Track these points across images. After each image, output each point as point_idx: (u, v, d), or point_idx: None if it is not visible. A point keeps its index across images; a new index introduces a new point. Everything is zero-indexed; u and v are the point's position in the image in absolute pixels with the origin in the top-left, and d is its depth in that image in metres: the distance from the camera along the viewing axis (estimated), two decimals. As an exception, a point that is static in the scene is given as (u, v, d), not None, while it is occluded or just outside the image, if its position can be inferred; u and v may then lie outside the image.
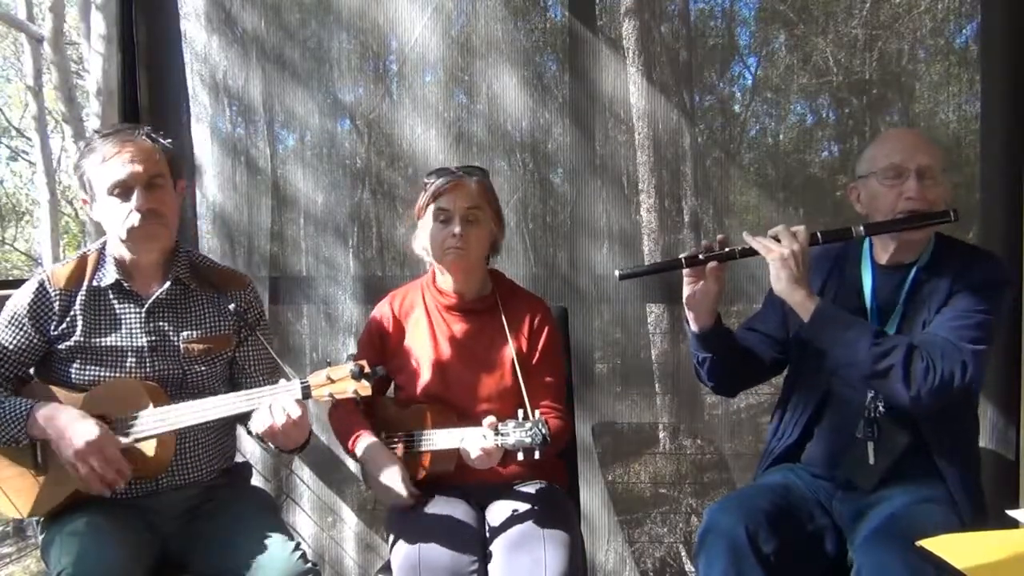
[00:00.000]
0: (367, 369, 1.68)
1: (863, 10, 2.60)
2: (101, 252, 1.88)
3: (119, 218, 1.79)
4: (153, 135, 1.87)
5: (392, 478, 1.87)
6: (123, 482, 1.71)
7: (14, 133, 12.72)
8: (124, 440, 1.71)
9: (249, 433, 1.94)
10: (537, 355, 2.02)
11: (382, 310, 2.09)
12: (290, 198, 2.82)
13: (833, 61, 2.64)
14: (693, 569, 2.63)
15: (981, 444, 2.04)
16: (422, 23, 2.70)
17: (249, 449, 2.68)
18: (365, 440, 1.94)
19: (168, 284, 1.86)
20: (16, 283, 1.92)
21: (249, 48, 2.77)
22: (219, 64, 2.78)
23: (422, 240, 2.02)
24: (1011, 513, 1.40)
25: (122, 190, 1.77)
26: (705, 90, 2.80)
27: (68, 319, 1.81)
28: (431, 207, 1.97)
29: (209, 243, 2.78)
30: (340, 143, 2.82)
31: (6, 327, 1.81)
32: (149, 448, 1.75)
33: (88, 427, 1.69)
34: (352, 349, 2.68)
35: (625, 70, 2.68)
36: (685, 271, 1.82)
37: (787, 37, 2.74)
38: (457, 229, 1.93)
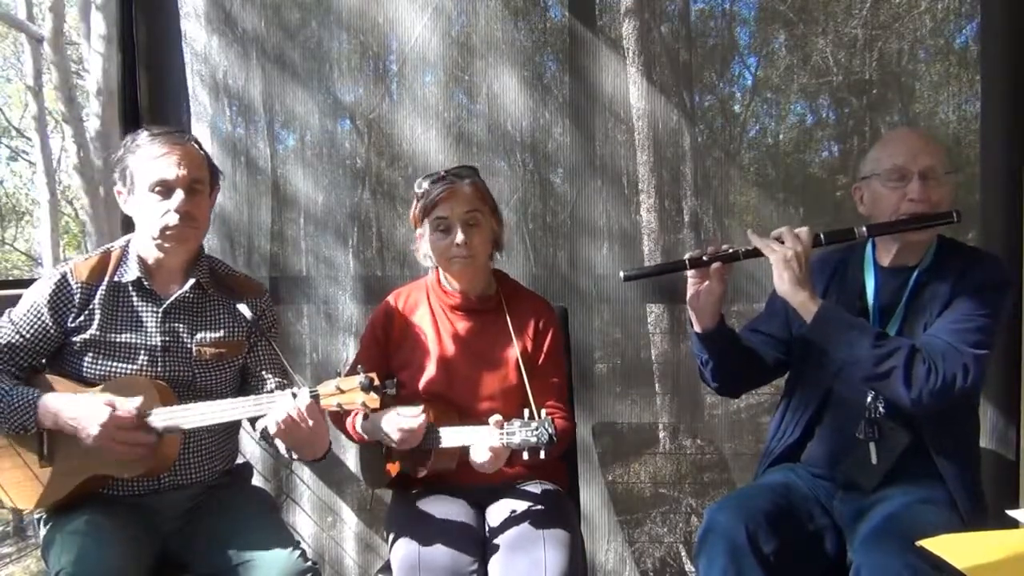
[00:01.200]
0: (377, 382, 1.68)
1: (863, 10, 2.60)
2: (124, 249, 1.90)
3: (155, 215, 1.81)
4: (199, 142, 1.92)
5: (391, 420, 1.84)
6: (152, 446, 1.72)
7: (14, 133, 12.74)
8: (133, 406, 1.70)
9: (262, 438, 1.94)
10: (542, 355, 2.02)
11: (386, 308, 2.09)
12: (290, 198, 2.82)
13: (833, 61, 2.64)
14: (693, 569, 2.63)
15: (981, 444, 2.04)
16: (422, 23, 2.70)
17: (250, 450, 2.69)
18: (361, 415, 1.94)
19: (188, 286, 1.87)
20: (16, 283, 1.92)
21: (249, 48, 2.77)
22: (219, 64, 2.78)
23: (424, 248, 2.01)
24: (1011, 513, 1.40)
25: (164, 189, 1.81)
26: (705, 90, 2.80)
27: (86, 312, 1.82)
28: (429, 217, 1.96)
29: (209, 243, 2.77)
30: (340, 143, 2.82)
31: (24, 316, 1.82)
32: (156, 439, 1.74)
33: (96, 412, 1.69)
34: (352, 349, 2.69)
35: (625, 70, 2.68)
36: (689, 272, 1.82)
37: (787, 37, 2.73)
38: (460, 238, 1.92)
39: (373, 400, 1.68)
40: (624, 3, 2.74)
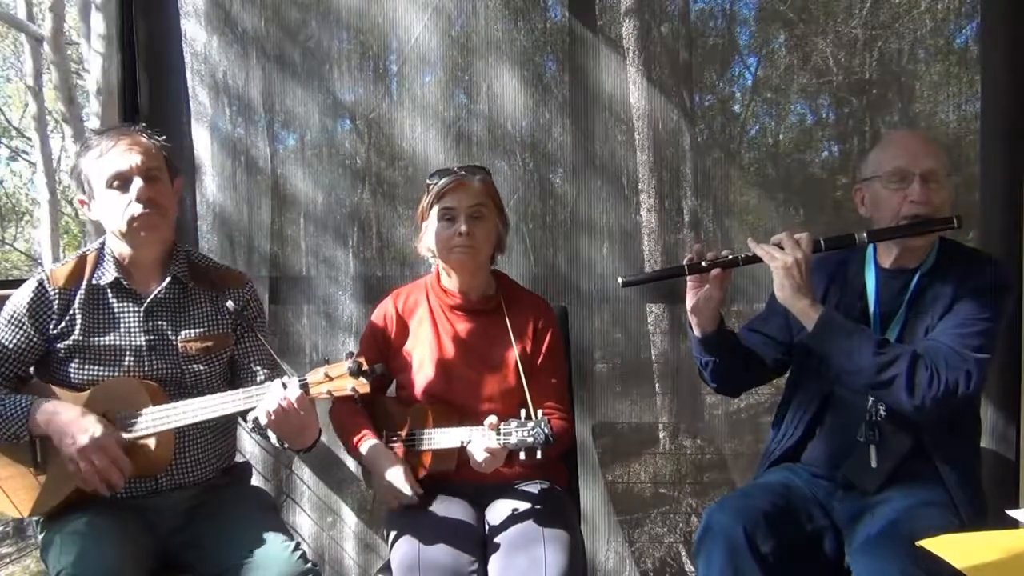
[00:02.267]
0: (365, 366, 1.67)
1: (863, 10, 2.60)
2: (100, 251, 1.88)
3: (119, 210, 1.79)
4: (149, 131, 1.89)
5: (396, 477, 1.87)
6: (123, 481, 1.71)
7: (14, 133, 12.74)
8: (127, 435, 1.71)
9: (253, 429, 1.94)
10: (541, 356, 2.02)
11: (385, 308, 2.09)
12: (290, 198, 2.82)
13: (833, 61, 2.64)
14: (693, 569, 2.63)
15: (981, 444, 2.04)
16: (422, 23, 2.70)
17: (249, 449, 2.69)
18: (369, 441, 1.94)
19: (166, 283, 1.86)
20: (16, 283, 1.92)
21: (249, 48, 2.77)
22: (219, 64, 2.78)
23: (427, 241, 2.02)
24: (1011, 513, 1.40)
25: (121, 182, 1.78)
26: (705, 90, 2.80)
27: (67, 318, 1.81)
28: (435, 207, 1.97)
29: (209, 243, 2.78)
30: (340, 143, 2.82)
31: (6, 326, 1.81)
32: (149, 446, 1.74)
33: (91, 424, 1.69)
34: (352, 349, 2.68)
35: (625, 70, 2.68)
36: (688, 277, 1.82)
37: (787, 37, 2.74)
38: (463, 227, 1.93)
39: (363, 385, 1.67)
40: (624, 3, 2.74)
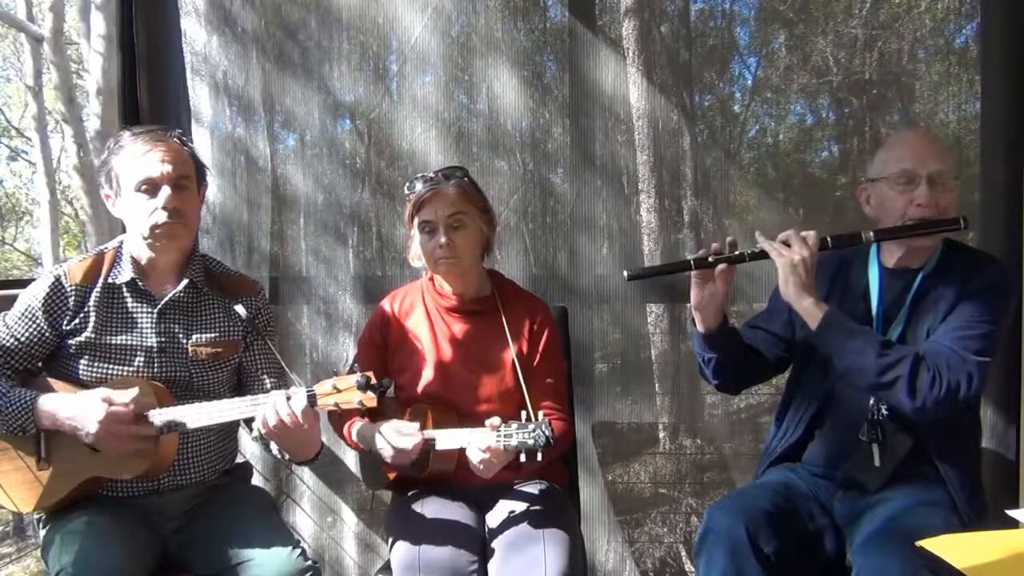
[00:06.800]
0: (374, 381, 1.67)
1: (863, 10, 2.60)
2: (118, 250, 1.89)
3: (144, 214, 1.80)
4: (184, 138, 1.90)
5: (396, 425, 1.85)
6: (151, 430, 1.72)
7: (14, 133, 12.75)
8: (128, 399, 1.71)
9: (255, 439, 1.94)
10: (538, 357, 2.02)
11: (383, 310, 2.09)
12: (290, 198, 2.82)
13: (833, 61, 2.64)
14: (693, 569, 2.63)
15: (981, 444, 2.04)
16: (422, 23, 2.70)
17: (250, 450, 2.68)
18: (359, 423, 1.95)
19: (183, 285, 1.87)
20: (16, 283, 1.92)
21: (249, 48, 2.77)
22: (219, 64, 2.78)
23: (414, 250, 2.03)
24: (1011, 513, 1.40)
25: (150, 187, 1.79)
26: (705, 90, 2.80)
27: (81, 315, 1.82)
28: (416, 219, 1.97)
29: (209, 243, 2.78)
30: (340, 143, 2.82)
31: (19, 319, 1.81)
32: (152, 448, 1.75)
33: (90, 408, 1.69)
34: (352, 349, 2.68)
35: (625, 70, 2.68)
36: (693, 273, 1.82)
37: (787, 37, 2.73)
38: (443, 239, 1.92)
39: (370, 399, 1.67)
40: (624, 3, 2.74)
